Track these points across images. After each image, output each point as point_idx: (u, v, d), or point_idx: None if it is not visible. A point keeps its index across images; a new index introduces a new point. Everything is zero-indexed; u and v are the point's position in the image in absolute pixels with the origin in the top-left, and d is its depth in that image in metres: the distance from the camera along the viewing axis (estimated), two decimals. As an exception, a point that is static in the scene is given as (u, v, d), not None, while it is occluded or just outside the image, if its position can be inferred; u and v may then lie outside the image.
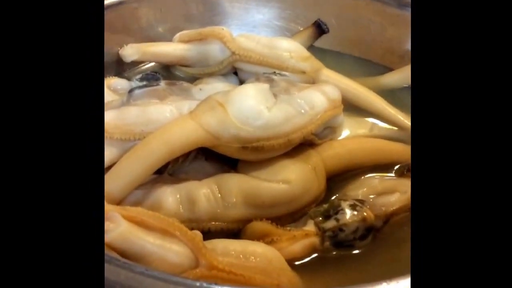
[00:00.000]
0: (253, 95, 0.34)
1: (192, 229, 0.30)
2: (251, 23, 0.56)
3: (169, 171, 0.36)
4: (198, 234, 0.29)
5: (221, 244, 0.29)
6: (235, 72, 0.48)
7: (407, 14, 0.51)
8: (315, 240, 0.32)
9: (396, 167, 0.40)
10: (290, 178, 0.34)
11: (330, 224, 0.33)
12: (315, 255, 0.33)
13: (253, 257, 0.29)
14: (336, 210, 0.33)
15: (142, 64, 0.52)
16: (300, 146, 0.37)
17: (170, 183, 0.34)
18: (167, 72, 0.51)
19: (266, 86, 0.36)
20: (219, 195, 0.33)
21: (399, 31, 0.52)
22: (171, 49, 0.49)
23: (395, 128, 0.44)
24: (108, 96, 0.42)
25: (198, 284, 0.24)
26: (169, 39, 0.50)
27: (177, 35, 0.49)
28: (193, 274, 0.26)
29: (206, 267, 0.27)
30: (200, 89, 0.42)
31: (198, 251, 0.27)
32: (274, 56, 0.45)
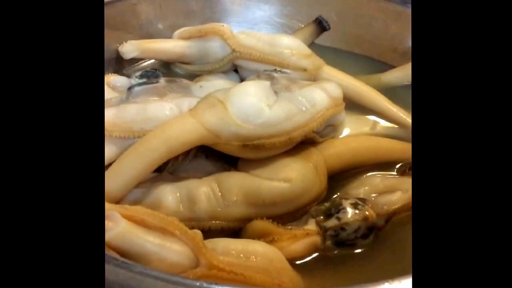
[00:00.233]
0: (254, 93, 0.34)
1: (192, 228, 0.30)
2: (251, 20, 0.56)
3: (169, 169, 0.36)
4: (198, 233, 0.29)
5: (221, 243, 0.29)
6: (236, 69, 0.48)
7: (409, 11, 0.51)
8: (316, 239, 0.32)
9: (398, 165, 0.39)
10: (291, 177, 0.34)
11: (332, 223, 0.32)
12: (316, 254, 0.33)
13: (253, 257, 0.29)
14: (338, 209, 0.33)
15: (141, 61, 0.52)
16: (301, 144, 0.37)
17: (170, 181, 0.34)
18: (167, 69, 0.50)
19: (267, 83, 0.36)
20: (220, 193, 0.33)
21: (401, 28, 0.52)
22: (171, 46, 0.49)
23: (397, 126, 0.44)
24: (107, 93, 0.42)
25: (198, 284, 0.24)
26: (169, 36, 0.50)
27: (177, 32, 0.49)
28: (193, 273, 0.26)
29: (206, 267, 0.27)
30: (200, 87, 0.42)
31: (198, 251, 0.27)
32: (275, 54, 0.44)
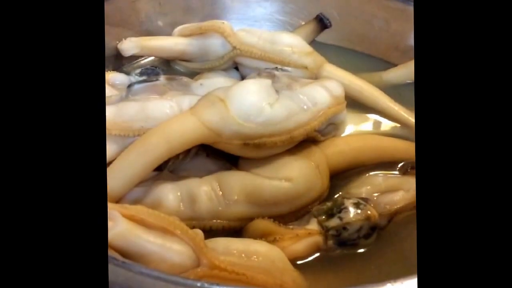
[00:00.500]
0: (255, 91, 0.34)
1: (193, 227, 0.30)
2: (252, 17, 0.56)
3: (170, 168, 0.35)
4: (199, 232, 0.29)
5: (222, 243, 0.29)
6: (236, 67, 0.47)
7: (411, 8, 0.51)
8: (318, 239, 0.32)
9: (400, 164, 0.39)
10: (293, 176, 0.34)
11: (334, 222, 0.32)
12: (318, 254, 0.33)
13: (255, 256, 0.29)
14: (340, 208, 0.33)
15: (141, 59, 0.51)
16: (303, 143, 0.37)
17: (171, 180, 0.34)
18: (167, 67, 0.50)
19: (268, 81, 0.36)
20: (220, 192, 0.33)
21: (402, 26, 0.51)
22: (171, 43, 0.48)
23: (398, 125, 0.44)
24: (107, 91, 0.41)
25: (199, 284, 0.24)
26: (169, 33, 0.50)
27: (177, 29, 0.49)
28: (194, 273, 0.26)
29: (207, 267, 0.27)
30: (201, 84, 0.41)
31: (199, 250, 0.27)
32: (276, 51, 0.44)
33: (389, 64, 0.52)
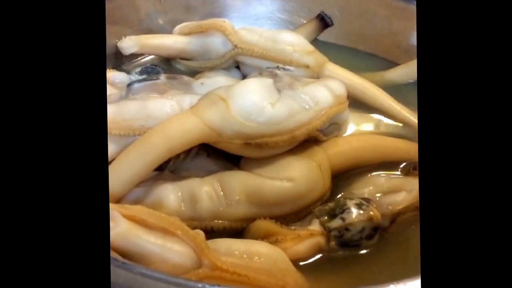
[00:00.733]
0: (257, 90, 0.34)
1: (194, 227, 0.30)
2: (253, 15, 0.55)
3: (170, 168, 0.35)
4: (200, 233, 0.28)
5: (224, 244, 0.29)
6: (238, 66, 0.47)
7: (413, 7, 0.50)
8: (320, 240, 0.32)
9: (402, 165, 0.39)
10: (294, 176, 0.34)
11: (336, 223, 0.32)
12: (320, 255, 0.32)
13: (257, 257, 0.28)
14: (342, 209, 0.33)
15: (141, 57, 0.51)
16: (305, 143, 0.36)
17: (171, 180, 0.34)
18: (167, 65, 0.50)
19: (269, 81, 0.35)
20: (222, 193, 0.33)
21: (404, 24, 0.51)
22: (172, 41, 0.48)
23: (401, 125, 0.43)
24: (107, 89, 0.41)
25: (200, 285, 0.24)
26: (169, 31, 0.49)
27: (178, 27, 0.49)
28: (196, 274, 0.26)
29: (209, 268, 0.26)
30: (202, 83, 0.41)
31: (201, 251, 0.27)
32: (277, 50, 0.44)
33: (391, 63, 0.52)
